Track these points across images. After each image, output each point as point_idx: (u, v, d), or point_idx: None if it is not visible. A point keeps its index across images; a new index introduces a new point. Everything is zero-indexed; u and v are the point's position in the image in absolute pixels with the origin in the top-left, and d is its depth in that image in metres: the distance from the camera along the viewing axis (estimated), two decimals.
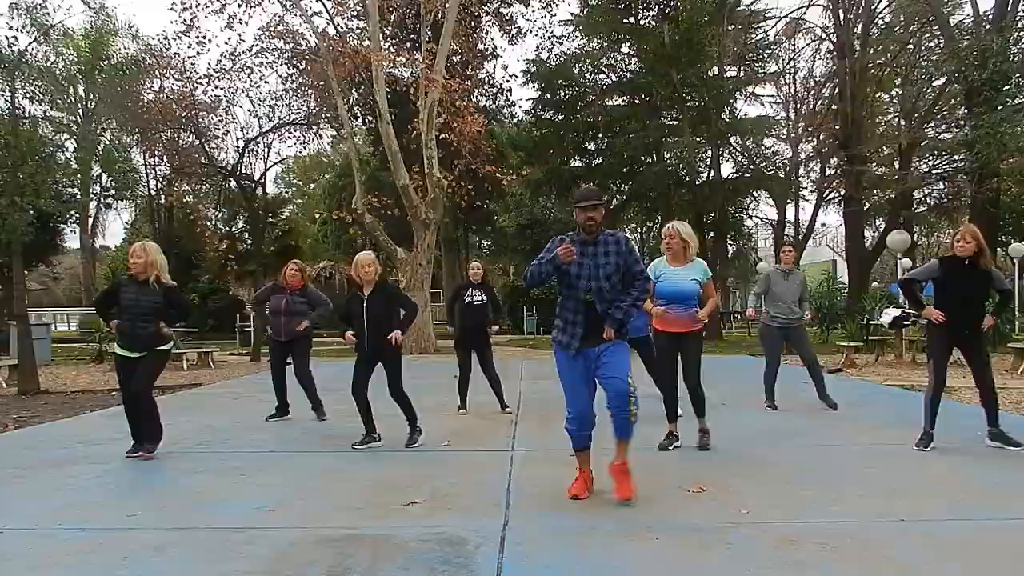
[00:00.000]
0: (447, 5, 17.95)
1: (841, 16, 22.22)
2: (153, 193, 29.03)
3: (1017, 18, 17.90)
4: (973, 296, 5.22)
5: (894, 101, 26.14)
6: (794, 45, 25.50)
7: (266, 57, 19.11)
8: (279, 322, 7.11)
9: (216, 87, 19.75)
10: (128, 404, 5.51)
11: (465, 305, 7.30)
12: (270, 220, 30.72)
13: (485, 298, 7.37)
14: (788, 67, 26.64)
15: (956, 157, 21.35)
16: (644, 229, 37.40)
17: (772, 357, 7.42)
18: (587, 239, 4.07)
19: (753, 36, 24.76)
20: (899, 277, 16.63)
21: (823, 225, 31.13)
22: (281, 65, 20.49)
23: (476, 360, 7.44)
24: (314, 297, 7.35)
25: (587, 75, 27.29)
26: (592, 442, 4.23)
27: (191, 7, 16.88)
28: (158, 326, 5.43)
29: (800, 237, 28.47)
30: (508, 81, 34.80)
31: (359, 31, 20.20)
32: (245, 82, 19.93)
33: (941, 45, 19.74)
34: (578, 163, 29.16)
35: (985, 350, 5.43)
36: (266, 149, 26.81)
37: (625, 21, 25.88)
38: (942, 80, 20.67)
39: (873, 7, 21.53)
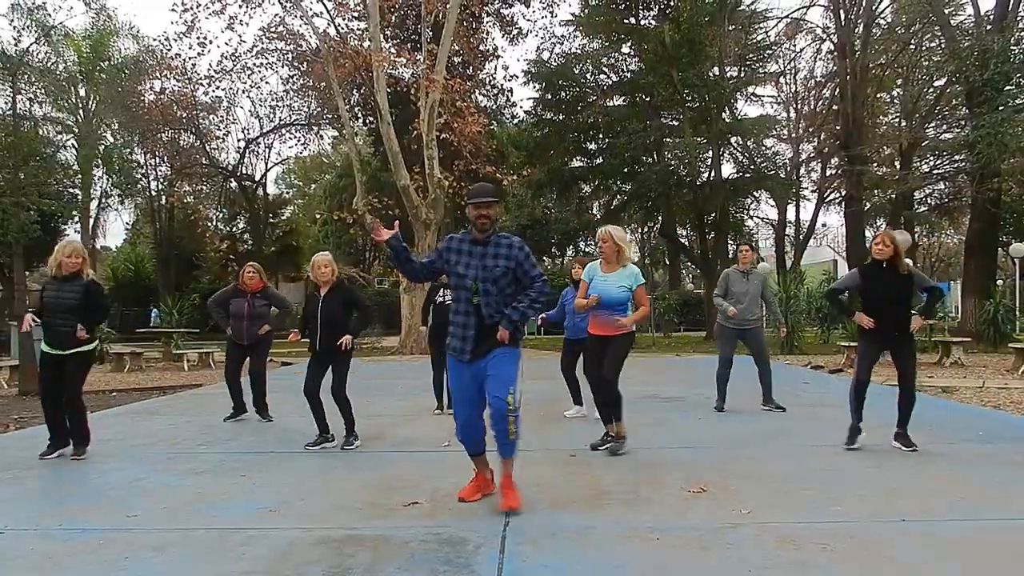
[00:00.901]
0: (448, 6, 17.95)
1: (842, 16, 22.23)
2: (154, 194, 29.05)
3: (1018, 18, 17.89)
4: (895, 298, 5.26)
5: (895, 101, 26.14)
6: (795, 45, 25.53)
7: (267, 58, 19.15)
8: (241, 326, 7.06)
9: (217, 88, 19.79)
10: (52, 406, 5.47)
11: (438, 305, 7.35)
12: (271, 220, 30.78)
13: None
14: (789, 67, 26.67)
15: (957, 157, 21.34)
16: (645, 229, 37.41)
17: (725, 356, 7.39)
18: (478, 238, 3.97)
19: (754, 36, 24.77)
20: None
21: (824, 225, 31.14)
22: (282, 66, 20.53)
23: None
24: (275, 298, 7.39)
25: (588, 75, 27.29)
26: (485, 446, 4.14)
27: (192, 8, 16.90)
28: (80, 330, 5.45)
29: (801, 237, 28.49)
30: (509, 81, 34.78)
31: (360, 32, 20.20)
32: (246, 83, 19.98)
33: (942, 45, 19.73)
34: (579, 163, 29.17)
35: (913, 354, 5.46)
36: (267, 150, 26.92)
37: (626, 21, 25.90)
38: (943, 80, 20.67)
39: (874, 7, 21.52)
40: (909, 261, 5.48)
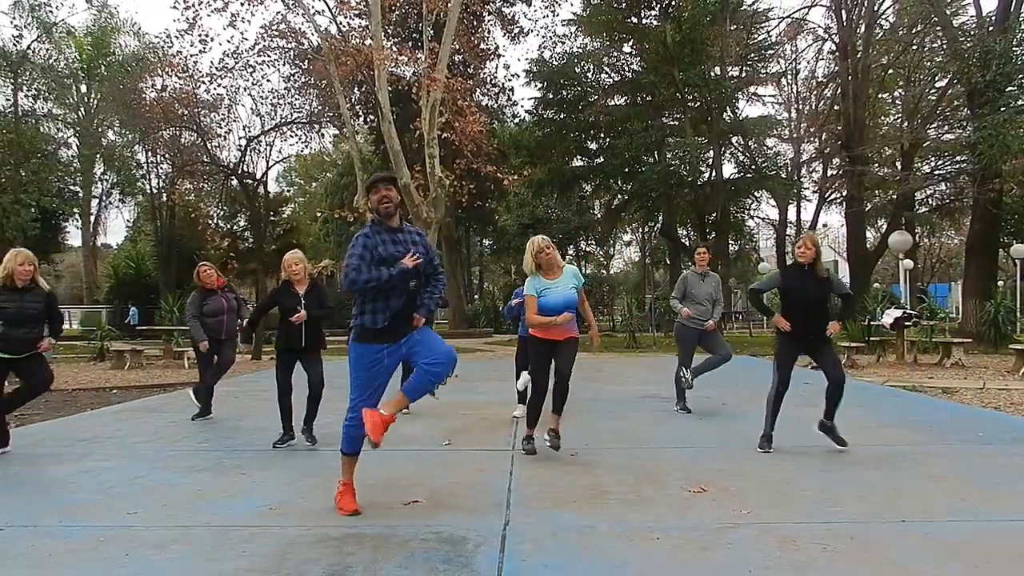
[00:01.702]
0: (449, 5, 17.94)
1: (844, 17, 22.21)
2: (155, 191, 29.06)
3: (1020, 20, 17.86)
4: (814, 301, 5.32)
5: (896, 102, 26.15)
6: (796, 46, 25.53)
7: (268, 56, 19.12)
8: (221, 321, 7.22)
9: (218, 85, 19.77)
10: None
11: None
12: (272, 218, 30.77)
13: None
14: (790, 67, 26.67)
15: (958, 158, 21.35)
16: (645, 229, 37.41)
17: (687, 357, 7.39)
18: (391, 226, 3.94)
19: (755, 36, 24.78)
20: (901, 281, 16.63)
21: (825, 225, 31.22)
22: (283, 64, 20.51)
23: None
24: (237, 294, 7.65)
25: (589, 75, 27.32)
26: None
27: (193, 5, 16.88)
28: (45, 341, 5.62)
29: None
30: (510, 81, 34.82)
31: (361, 30, 20.18)
32: (247, 80, 19.96)
33: (944, 46, 19.72)
34: (580, 163, 29.20)
35: (834, 353, 5.53)
36: (268, 148, 26.85)
37: (627, 21, 25.92)
38: (944, 81, 20.67)
39: (876, 8, 21.51)
40: (829, 267, 5.62)
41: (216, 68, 19.18)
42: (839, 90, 22.81)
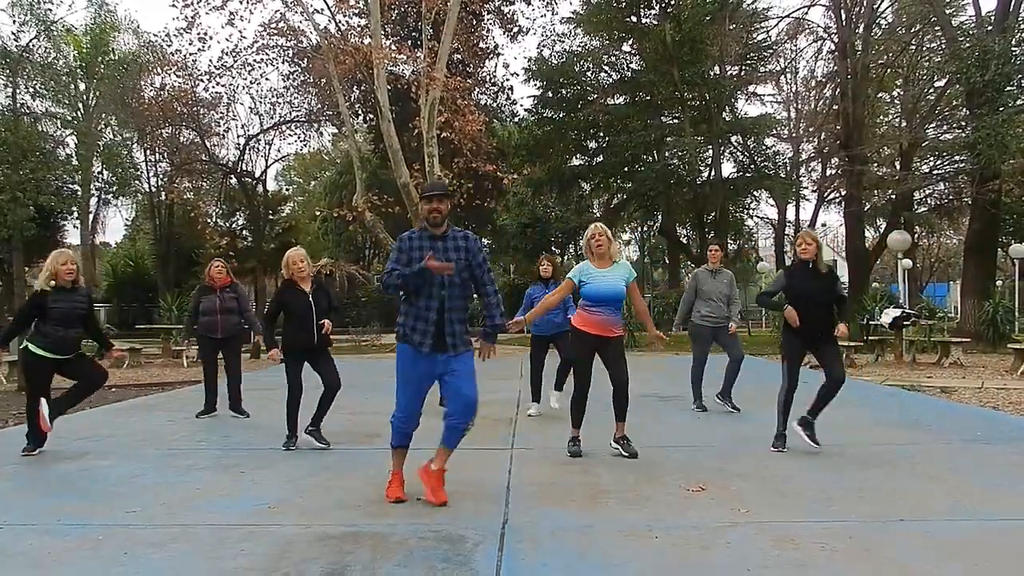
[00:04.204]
0: (448, 3, 17.92)
1: (843, 16, 22.19)
2: (153, 190, 29.01)
3: (1019, 20, 17.87)
4: (821, 297, 5.29)
5: (895, 102, 26.12)
6: (795, 45, 25.51)
7: (267, 54, 19.09)
8: (215, 320, 7.21)
9: (217, 84, 19.73)
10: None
11: None
12: (270, 217, 30.72)
13: None
14: (789, 67, 26.65)
15: (957, 158, 21.34)
16: (644, 228, 37.41)
17: (701, 356, 7.40)
18: (435, 234, 4.02)
19: (755, 36, 24.76)
20: (898, 279, 16.63)
21: (824, 225, 31.14)
22: (282, 62, 20.48)
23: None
24: (243, 294, 7.63)
25: (588, 73, 27.30)
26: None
27: (192, 3, 16.84)
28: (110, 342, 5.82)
29: None
30: (509, 80, 34.77)
31: (360, 28, 20.16)
32: (246, 79, 19.92)
33: (943, 46, 19.71)
34: (579, 161, 29.18)
35: (839, 356, 5.48)
36: (267, 146, 26.83)
37: (627, 19, 25.90)
38: (943, 81, 20.65)
39: (875, 7, 21.48)
40: (828, 261, 5.64)
41: (215, 66, 19.14)
42: (838, 89, 22.78)
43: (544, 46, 27.63)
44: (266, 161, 27.70)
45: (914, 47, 20.93)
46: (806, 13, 24.14)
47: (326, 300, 5.80)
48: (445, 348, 3.98)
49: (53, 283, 5.43)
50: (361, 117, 25.69)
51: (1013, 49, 17.05)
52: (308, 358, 5.75)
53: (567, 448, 5.31)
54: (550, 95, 26.97)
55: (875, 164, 23.15)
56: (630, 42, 26.67)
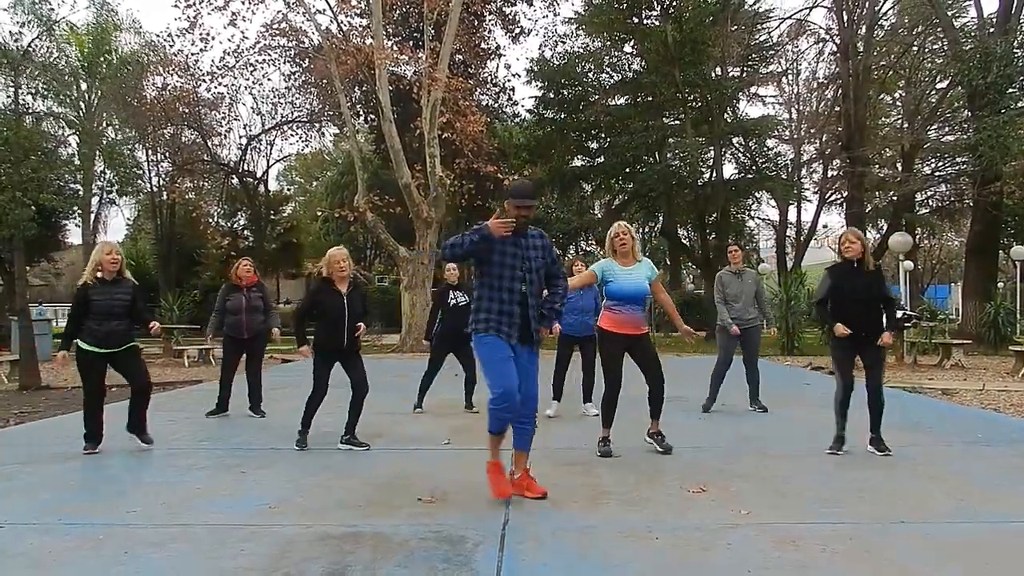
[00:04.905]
0: (450, 4, 17.94)
1: (845, 18, 22.20)
2: (155, 189, 29.04)
3: (1021, 22, 17.86)
4: (869, 296, 5.18)
5: (897, 103, 26.14)
6: (797, 46, 25.52)
7: (269, 54, 19.14)
8: (240, 319, 7.19)
9: (219, 84, 19.78)
10: (100, 404, 5.66)
11: (452, 307, 7.32)
12: (272, 217, 30.78)
13: (467, 298, 7.38)
14: (791, 68, 26.66)
15: (959, 160, 21.34)
16: (646, 229, 37.37)
17: (726, 357, 7.36)
18: (518, 230, 4.11)
19: (756, 37, 24.75)
20: (899, 280, 16.61)
21: (825, 226, 31.03)
22: (284, 63, 20.53)
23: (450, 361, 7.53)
24: (268, 293, 7.65)
25: (590, 74, 27.27)
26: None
27: (194, 4, 16.88)
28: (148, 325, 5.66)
29: (802, 238, 28.47)
30: (511, 80, 34.81)
31: (362, 29, 20.18)
32: (248, 79, 19.97)
33: (945, 48, 19.73)
34: (580, 162, 29.14)
35: (881, 363, 5.33)
36: (268, 146, 26.89)
37: (628, 21, 25.85)
38: (945, 83, 20.68)
39: (877, 9, 21.50)
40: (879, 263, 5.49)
41: (217, 67, 19.19)
42: (840, 91, 22.80)
43: (545, 47, 27.64)
44: (267, 161, 27.78)
45: (916, 49, 20.95)
46: (808, 14, 24.23)
47: (361, 303, 5.72)
48: (530, 340, 4.13)
49: (99, 274, 5.42)
50: (363, 117, 25.72)
51: (1015, 51, 17.05)
52: (339, 359, 5.67)
53: (597, 448, 5.31)
54: (551, 96, 26.95)
55: (876, 166, 23.16)
56: (631, 43, 26.63)
